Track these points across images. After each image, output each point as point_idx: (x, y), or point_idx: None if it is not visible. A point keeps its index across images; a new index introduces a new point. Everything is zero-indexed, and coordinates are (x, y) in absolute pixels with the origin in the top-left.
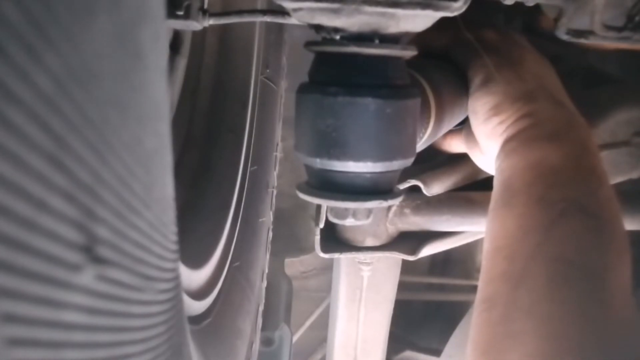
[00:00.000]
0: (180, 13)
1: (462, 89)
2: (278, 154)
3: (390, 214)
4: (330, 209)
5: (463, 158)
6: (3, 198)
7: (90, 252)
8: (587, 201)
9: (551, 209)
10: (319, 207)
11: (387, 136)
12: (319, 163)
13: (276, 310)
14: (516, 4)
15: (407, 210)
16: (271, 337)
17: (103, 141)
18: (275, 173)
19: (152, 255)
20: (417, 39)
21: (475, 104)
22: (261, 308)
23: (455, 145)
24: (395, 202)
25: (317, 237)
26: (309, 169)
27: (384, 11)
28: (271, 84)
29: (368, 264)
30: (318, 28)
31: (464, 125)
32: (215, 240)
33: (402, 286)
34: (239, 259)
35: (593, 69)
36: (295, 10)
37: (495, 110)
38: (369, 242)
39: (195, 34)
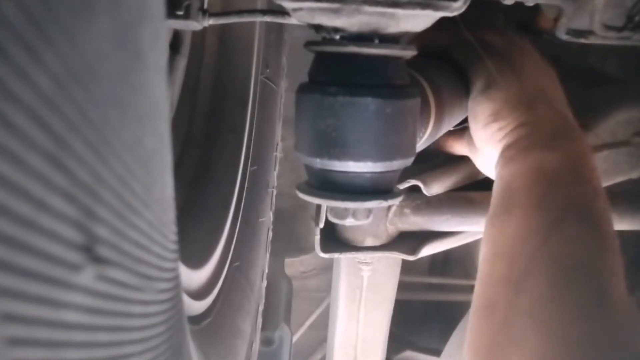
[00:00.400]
0: (180, 13)
1: (462, 89)
2: (278, 154)
3: (390, 214)
4: (330, 209)
5: (463, 158)
6: (3, 198)
7: (90, 251)
8: (584, 207)
9: (550, 214)
10: (319, 207)
11: (387, 136)
12: (319, 163)
13: (276, 310)
14: (516, 4)
15: (407, 210)
16: (271, 337)
17: (103, 141)
18: (275, 173)
19: (152, 255)
20: (417, 38)
21: (475, 108)
22: (261, 308)
23: (457, 147)
24: (395, 202)
25: (317, 237)
26: (309, 169)
27: (383, 11)
28: (271, 84)
29: (368, 264)
30: (318, 28)
31: (466, 128)
32: (215, 240)
33: (402, 286)
34: (239, 259)
35: (593, 69)
36: (295, 10)
37: (495, 116)
38: (369, 242)
39: (195, 33)
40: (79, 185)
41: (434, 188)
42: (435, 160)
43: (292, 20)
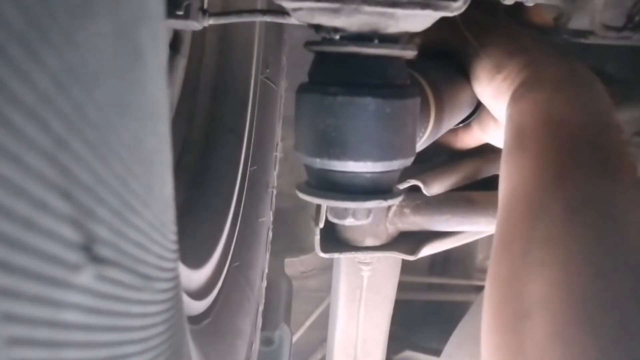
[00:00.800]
0: (180, 13)
1: (462, 88)
2: (278, 154)
3: (390, 214)
4: (330, 209)
5: (463, 158)
6: (3, 198)
7: (90, 251)
8: (596, 136)
9: (563, 147)
10: (318, 207)
11: (387, 136)
12: (319, 163)
13: (276, 310)
14: (516, 4)
15: (407, 210)
16: (271, 337)
17: (102, 141)
18: (275, 173)
19: (151, 255)
20: (417, 38)
21: (475, 70)
22: (261, 308)
23: (468, 139)
24: (395, 202)
25: (317, 237)
26: (308, 169)
27: (383, 11)
28: (271, 84)
29: (368, 264)
30: (318, 28)
31: (472, 121)
32: (215, 240)
33: (402, 286)
34: (239, 259)
35: (593, 69)
36: (295, 10)
37: (497, 68)
38: (369, 242)
39: (195, 33)
40: (78, 185)
41: (434, 188)
42: (435, 160)
43: (292, 20)
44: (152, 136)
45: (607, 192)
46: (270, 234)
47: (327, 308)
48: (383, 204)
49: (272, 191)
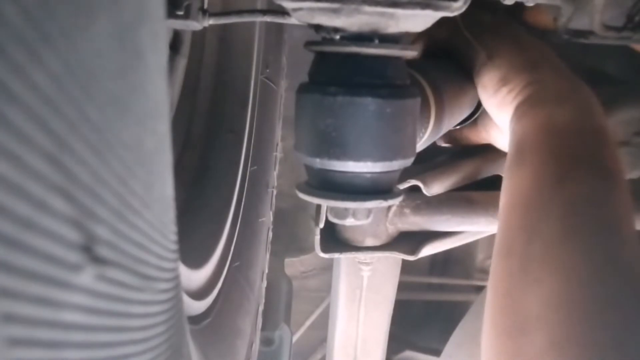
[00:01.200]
0: (180, 13)
1: (462, 88)
2: (278, 154)
3: (390, 214)
4: (330, 209)
5: (463, 158)
6: (3, 198)
7: (90, 252)
8: (594, 155)
9: (561, 164)
10: (319, 207)
11: (387, 136)
12: (319, 163)
13: (276, 310)
14: (516, 4)
15: (407, 210)
16: (271, 337)
17: (103, 141)
18: (275, 173)
19: (151, 255)
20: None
21: (482, 78)
22: (261, 308)
23: (473, 137)
24: (395, 202)
25: (317, 237)
26: (308, 169)
27: (383, 11)
28: (271, 84)
29: (368, 264)
30: (318, 28)
31: (477, 119)
32: (215, 240)
33: (402, 286)
34: (239, 259)
35: (593, 69)
36: (295, 10)
37: (503, 81)
38: (369, 242)
39: (195, 33)
40: (78, 185)
41: (434, 188)
42: (435, 160)
43: (292, 20)
44: (152, 136)
45: (604, 212)
46: (270, 234)
47: (327, 308)
48: (383, 204)
49: (272, 191)
